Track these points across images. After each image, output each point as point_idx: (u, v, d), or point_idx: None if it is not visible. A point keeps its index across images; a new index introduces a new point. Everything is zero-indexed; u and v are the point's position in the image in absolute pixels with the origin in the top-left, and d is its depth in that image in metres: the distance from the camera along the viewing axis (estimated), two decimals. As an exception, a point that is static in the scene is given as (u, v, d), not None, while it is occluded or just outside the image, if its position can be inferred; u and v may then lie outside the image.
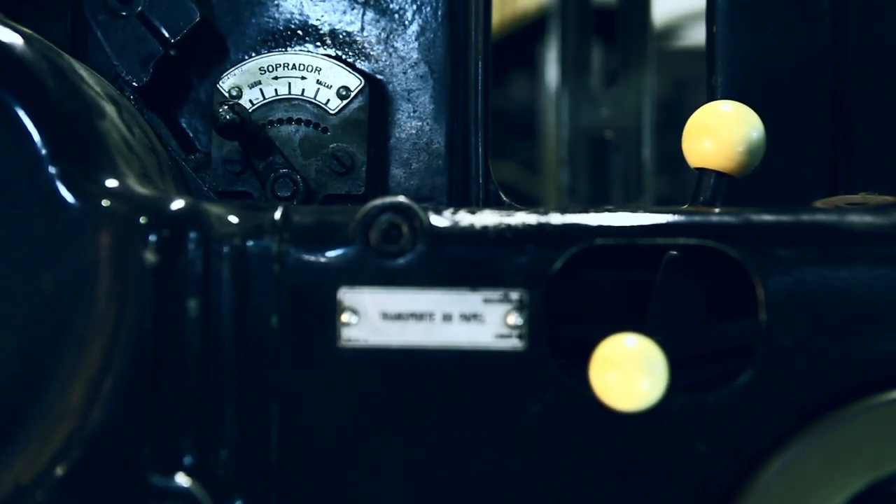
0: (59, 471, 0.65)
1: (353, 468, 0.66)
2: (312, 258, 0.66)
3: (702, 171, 0.73)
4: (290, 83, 0.81)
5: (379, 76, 0.82)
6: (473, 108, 0.83)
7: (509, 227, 0.66)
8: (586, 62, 1.50)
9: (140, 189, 0.68)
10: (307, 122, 0.80)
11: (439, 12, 0.82)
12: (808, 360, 0.64)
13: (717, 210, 0.69)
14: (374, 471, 0.66)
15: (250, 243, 0.66)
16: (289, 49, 0.82)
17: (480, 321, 0.65)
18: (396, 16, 0.82)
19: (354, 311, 0.66)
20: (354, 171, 0.80)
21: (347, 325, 0.66)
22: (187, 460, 0.65)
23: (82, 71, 0.72)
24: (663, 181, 1.62)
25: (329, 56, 0.82)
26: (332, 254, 0.66)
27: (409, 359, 0.65)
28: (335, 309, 0.66)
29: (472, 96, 0.83)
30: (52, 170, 0.66)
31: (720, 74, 0.84)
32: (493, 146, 0.86)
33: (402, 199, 0.66)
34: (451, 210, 0.67)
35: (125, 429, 0.65)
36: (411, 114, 0.82)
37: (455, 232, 0.66)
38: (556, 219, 0.66)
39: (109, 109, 0.71)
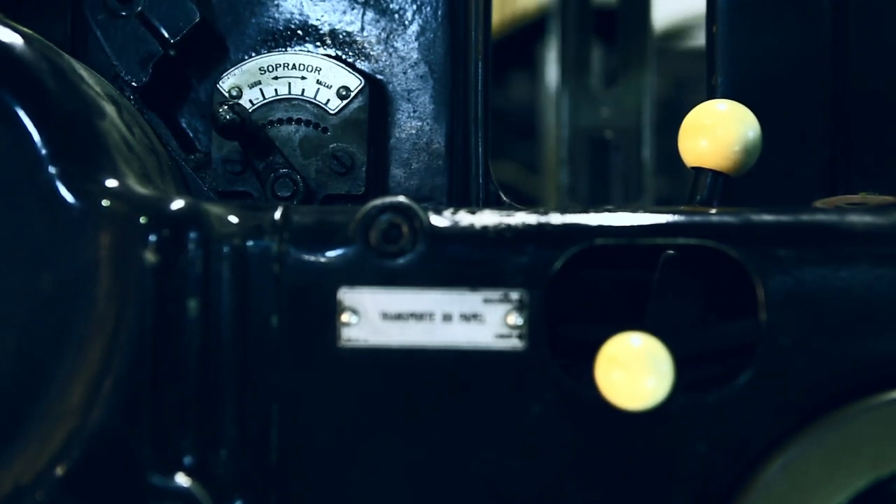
0: (59, 471, 0.65)
1: (353, 468, 0.66)
2: (312, 258, 0.66)
3: (698, 171, 0.73)
4: (290, 83, 0.81)
5: (379, 76, 0.82)
6: (473, 108, 0.83)
7: (509, 227, 0.66)
8: (586, 62, 1.50)
9: (140, 189, 0.68)
10: (307, 122, 0.80)
11: (439, 12, 0.82)
12: (808, 360, 0.64)
13: (715, 210, 0.69)
14: (374, 471, 0.66)
15: (250, 243, 0.66)
16: (289, 49, 0.82)
17: (480, 321, 0.65)
18: (396, 16, 0.82)
19: (354, 311, 0.66)
20: (354, 171, 0.80)
21: (347, 325, 0.66)
22: (187, 460, 0.65)
23: (82, 71, 0.72)
24: (663, 181, 1.62)
25: (329, 56, 0.82)
26: (332, 254, 0.66)
27: (409, 359, 0.65)
28: (335, 309, 0.66)
29: (472, 96, 0.83)
30: (52, 170, 0.66)
31: (720, 74, 0.84)
32: (493, 146, 0.86)
33: (402, 199, 0.66)
34: (451, 210, 0.67)
35: (125, 429, 0.65)
36: (411, 114, 0.82)
37: (455, 232, 0.66)
38: (556, 219, 0.66)
39: (109, 109, 0.71)
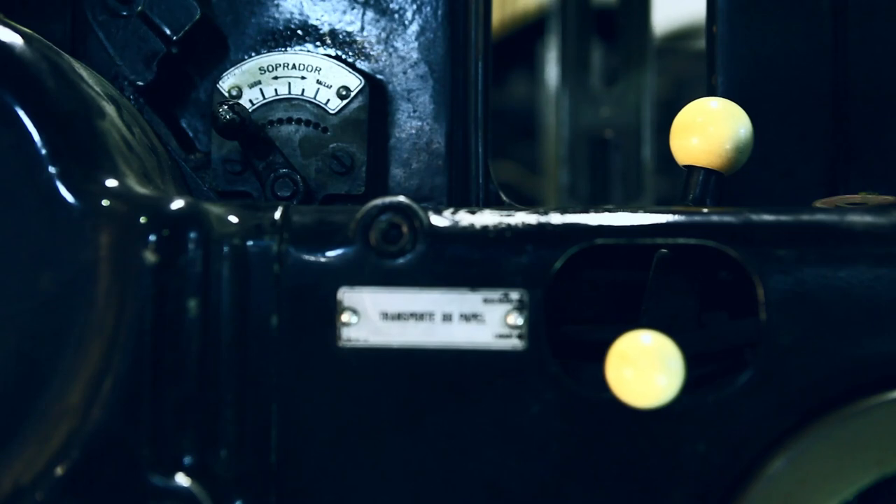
0: (59, 471, 0.65)
1: (352, 468, 0.66)
2: (312, 258, 0.66)
3: (690, 169, 0.73)
4: (290, 83, 0.81)
5: (379, 76, 0.82)
6: (473, 108, 0.83)
7: (509, 227, 0.66)
8: (586, 62, 1.50)
9: (140, 189, 0.68)
10: (307, 122, 0.80)
11: (439, 12, 0.82)
12: (808, 360, 0.64)
13: (708, 209, 0.69)
14: (374, 470, 0.66)
15: (250, 243, 0.66)
16: (289, 49, 0.82)
17: (480, 321, 0.65)
18: (396, 16, 0.82)
19: (354, 311, 0.66)
20: (354, 170, 0.80)
21: (347, 325, 0.66)
22: (187, 460, 0.65)
23: (82, 71, 0.72)
24: (663, 181, 1.62)
25: (329, 56, 0.82)
26: (331, 254, 0.66)
27: (409, 359, 0.65)
28: (335, 309, 0.66)
29: (472, 96, 0.83)
30: (52, 170, 0.66)
31: (720, 74, 0.84)
32: (493, 146, 0.86)
33: (402, 199, 0.66)
34: (451, 210, 0.67)
35: (125, 429, 0.65)
36: (411, 114, 0.82)
37: (455, 232, 0.66)
38: (556, 219, 0.66)
39: (109, 109, 0.71)
